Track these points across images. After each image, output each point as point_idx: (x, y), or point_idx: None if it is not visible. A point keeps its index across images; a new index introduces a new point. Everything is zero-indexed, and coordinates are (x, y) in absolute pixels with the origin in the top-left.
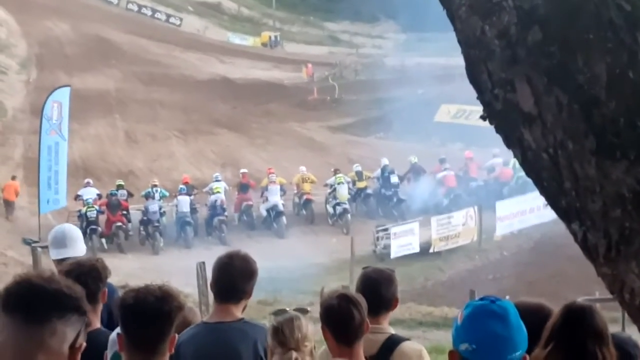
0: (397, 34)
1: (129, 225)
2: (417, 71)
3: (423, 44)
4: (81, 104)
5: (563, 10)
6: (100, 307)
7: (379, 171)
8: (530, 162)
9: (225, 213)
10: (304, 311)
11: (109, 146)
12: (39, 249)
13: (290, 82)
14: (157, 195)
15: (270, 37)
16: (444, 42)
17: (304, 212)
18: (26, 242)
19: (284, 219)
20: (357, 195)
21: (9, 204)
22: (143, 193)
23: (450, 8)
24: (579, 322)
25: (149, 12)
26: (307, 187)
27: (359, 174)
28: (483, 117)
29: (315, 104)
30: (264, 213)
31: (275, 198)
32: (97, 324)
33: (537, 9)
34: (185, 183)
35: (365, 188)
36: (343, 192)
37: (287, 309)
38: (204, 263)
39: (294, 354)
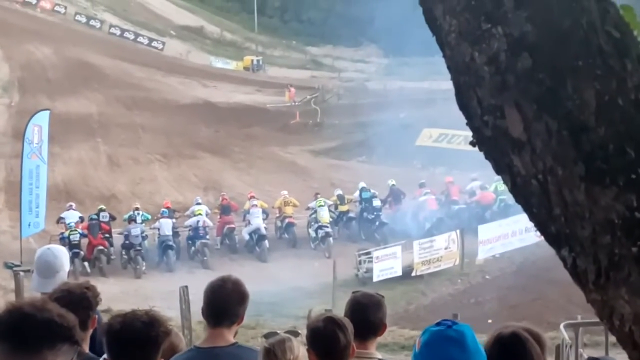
0: (380, 58)
1: (111, 249)
2: (399, 95)
3: (405, 68)
4: (63, 127)
5: (552, 38)
6: (89, 333)
7: (357, 194)
8: (519, 188)
9: (207, 236)
10: (295, 333)
11: (91, 170)
12: (22, 273)
13: (273, 106)
14: (139, 219)
15: (252, 61)
16: (425, 66)
17: (286, 235)
18: (8, 266)
19: (266, 242)
20: (340, 219)
21: None
22: (125, 217)
23: (439, 34)
24: (509, 351)
25: (132, 36)
26: (289, 210)
27: (341, 198)
28: (472, 143)
29: (297, 127)
30: (247, 237)
31: (257, 221)
32: (85, 349)
33: (526, 36)
34: (167, 207)
35: (348, 212)
36: (324, 215)
37: (279, 331)
38: (186, 287)
39: None
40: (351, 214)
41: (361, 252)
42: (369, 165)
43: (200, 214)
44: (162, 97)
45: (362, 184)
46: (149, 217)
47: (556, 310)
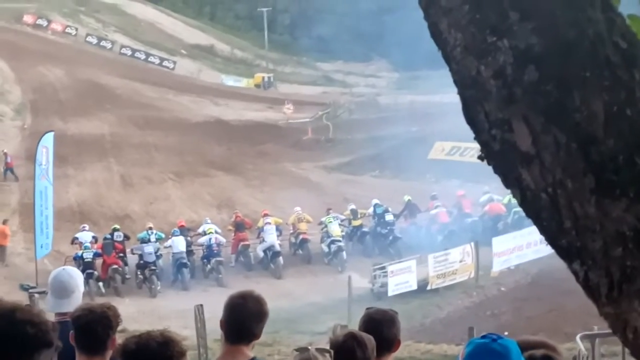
0: (390, 72)
1: (126, 268)
2: (410, 109)
3: (416, 82)
4: (76, 148)
5: (559, 49)
6: (109, 354)
7: (371, 209)
8: (529, 202)
9: (221, 253)
10: (325, 351)
11: (104, 190)
12: (36, 295)
13: (285, 122)
14: (153, 237)
15: (263, 79)
16: (436, 79)
17: (300, 251)
18: (23, 288)
19: (280, 259)
20: (353, 233)
21: (2, 249)
22: (139, 236)
23: (445, 49)
24: None
25: (143, 56)
26: (303, 226)
27: (354, 213)
28: (481, 157)
29: (309, 143)
30: (261, 254)
31: (271, 238)
32: None
33: (532, 48)
34: (181, 227)
35: (361, 226)
36: (335, 228)
37: (309, 347)
38: (202, 306)
39: None
40: (365, 229)
41: (376, 266)
42: (382, 180)
43: (211, 232)
44: (174, 116)
45: (375, 201)
46: (163, 236)
47: (573, 321)
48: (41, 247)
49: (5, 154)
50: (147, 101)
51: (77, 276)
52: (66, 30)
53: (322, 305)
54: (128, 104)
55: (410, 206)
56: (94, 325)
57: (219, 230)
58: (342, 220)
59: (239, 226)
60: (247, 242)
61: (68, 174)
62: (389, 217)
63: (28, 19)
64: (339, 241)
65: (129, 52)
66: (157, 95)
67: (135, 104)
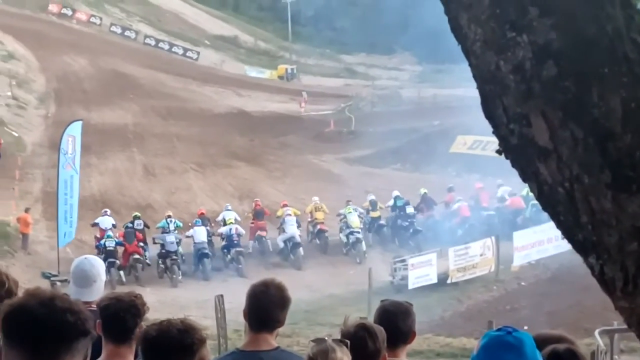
0: (413, 65)
1: (146, 254)
2: (432, 102)
3: (439, 75)
4: (99, 138)
5: (577, 45)
6: (135, 343)
7: (392, 201)
8: (546, 196)
9: (241, 244)
10: (343, 343)
11: (127, 180)
12: (58, 283)
13: (307, 115)
14: (172, 226)
15: (286, 70)
16: (460, 73)
17: (317, 241)
18: (45, 276)
19: (301, 250)
20: (372, 225)
21: (25, 237)
22: (158, 225)
23: (464, 44)
24: None
25: (166, 47)
26: (319, 215)
27: (373, 204)
28: (499, 152)
29: (331, 136)
30: (281, 244)
31: (292, 229)
32: (130, 357)
33: (551, 43)
34: (201, 215)
35: (379, 218)
36: (354, 219)
37: (327, 338)
38: (222, 296)
39: None
40: (382, 221)
41: (396, 259)
42: (403, 172)
43: (232, 223)
44: (197, 106)
45: (396, 192)
46: (181, 225)
47: (592, 316)
48: (64, 235)
49: None
50: (170, 91)
51: (99, 265)
52: (91, 20)
53: (342, 298)
54: (151, 94)
55: (426, 199)
56: (122, 314)
57: (238, 218)
58: (359, 213)
59: (258, 214)
60: (264, 232)
61: (91, 163)
62: (409, 210)
63: (53, 8)
64: (358, 232)
65: (153, 42)
66: (180, 85)
67: (159, 94)
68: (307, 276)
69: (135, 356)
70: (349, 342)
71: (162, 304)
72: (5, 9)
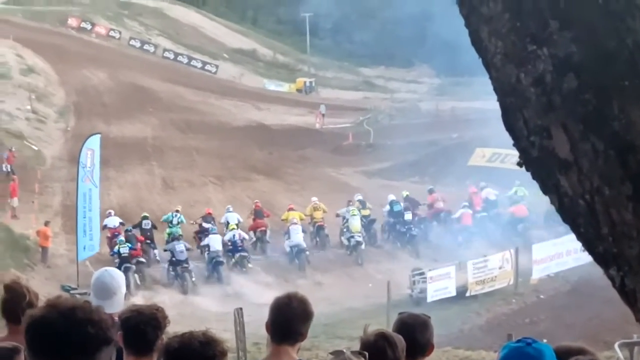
0: (432, 78)
1: (155, 252)
2: (451, 115)
3: (457, 88)
4: (119, 151)
5: (598, 58)
6: (156, 355)
7: (387, 206)
8: (567, 208)
9: (245, 248)
10: (361, 355)
11: (146, 193)
12: (78, 296)
13: (326, 128)
14: (175, 220)
15: (305, 83)
16: (478, 86)
17: (317, 239)
18: (65, 289)
19: (305, 254)
20: (369, 225)
21: (44, 250)
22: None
23: (485, 57)
24: None
25: (185, 60)
26: (318, 214)
27: (363, 203)
28: (519, 164)
29: (350, 149)
30: (287, 249)
31: (297, 238)
32: None
33: (572, 56)
34: (208, 214)
35: (369, 216)
36: (355, 224)
37: (344, 350)
38: (241, 309)
39: None
40: (372, 217)
41: (415, 272)
42: (422, 185)
43: (234, 228)
44: (215, 119)
45: (391, 197)
46: (185, 220)
47: (613, 329)
48: (83, 248)
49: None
50: (189, 105)
51: (119, 277)
52: (110, 34)
53: (361, 311)
54: (170, 107)
55: (410, 199)
56: (143, 327)
57: (241, 220)
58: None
59: (258, 213)
60: (264, 228)
61: (110, 177)
62: (407, 217)
63: (72, 22)
64: (359, 236)
65: (172, 56)
66: (199, 99)
67: (177, 107)
68: (326, 290)
69: None
70: (367, 354)
71: (171, 307)
72: (25, 23)
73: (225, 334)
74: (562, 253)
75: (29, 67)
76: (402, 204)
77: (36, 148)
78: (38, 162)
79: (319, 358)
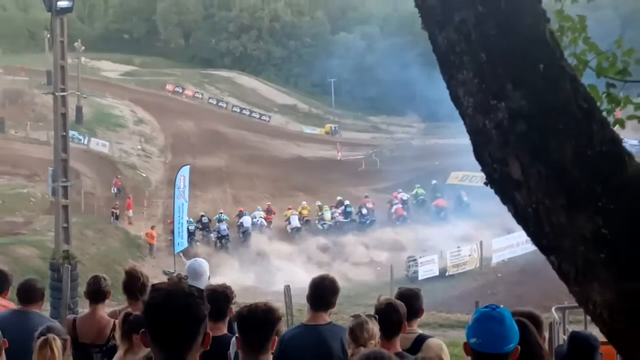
0: (420, 123)
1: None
2: (434, 149)
3: (439, 130)
4: (202, 177)
5: (540, 109)
6: (227, 319)
7: (342, 207)
8: (520, 214)
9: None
10: (372, 317)
11: (221, 206)
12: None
13: (346, 158)
14: (222, 217)
15: (331, 128)
16: (454, 128)
17: (305, 227)
18: (166, 273)
19: (299, 230)
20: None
21: (151, 246)
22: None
23: (460, 108)
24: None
25: (247, 112)
26: (305, 212)
27: (320, 207)
28: (486, 183)
29: (363, 173)
30: (289, 230)
31: (295, 221)
32: (224, 330)
33: (522, 108)
34: (240, 211)
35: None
36: (327, 215)
37: (361, 314)
38: (288, 286)
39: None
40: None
41: (410, 258)
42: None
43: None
44: (269, 154)
45: (347, 202)
46: (227, 217)
47: (550, 298)
48: (178, 245)
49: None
50: (251, 144)
51: (204, 264)
52: (195, 95)
53: (372, 286)
54: (238, 146)
55: (342, 202)
56: (216, 301)
57: (253, 220)
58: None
59: (268, 211)
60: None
61: (196, 195)
62: (349, 210)
63: (169, 87)
64: (330, 223)
65: (238, 110)
66: (258, 139)
67: (243, 145)
68: (347, 271)
69: (228, 329)
70: (377, 316)
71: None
72: (137, 89)
73: (277, 303)
74: (513, 244)
75: (139, 119)
76: (351, 207)
77: (144, 175)
78: (146, 185)
79: (343, 319)
